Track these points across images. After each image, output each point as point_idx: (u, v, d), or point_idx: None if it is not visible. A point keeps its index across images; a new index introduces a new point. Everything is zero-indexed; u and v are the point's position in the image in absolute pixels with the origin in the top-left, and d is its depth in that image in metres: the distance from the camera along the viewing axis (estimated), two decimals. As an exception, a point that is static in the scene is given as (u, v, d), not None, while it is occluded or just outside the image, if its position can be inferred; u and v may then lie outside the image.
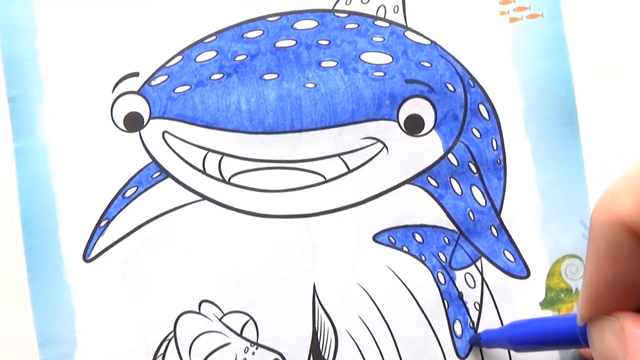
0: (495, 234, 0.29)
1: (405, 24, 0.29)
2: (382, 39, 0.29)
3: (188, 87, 0.29)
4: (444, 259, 0.29)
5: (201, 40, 0.29)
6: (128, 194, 0.29)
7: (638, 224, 0.18)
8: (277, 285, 0.29)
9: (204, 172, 0.29)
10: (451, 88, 0.29)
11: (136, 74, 0.29)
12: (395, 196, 0.29)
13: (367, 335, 0.29)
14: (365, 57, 0.29)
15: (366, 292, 0.29)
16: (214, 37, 0.29)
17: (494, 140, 0.29)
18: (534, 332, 0.25)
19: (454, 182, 0.29)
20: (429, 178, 0.29)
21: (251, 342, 0.28)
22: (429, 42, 0.29)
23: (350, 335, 0.29)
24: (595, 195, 0.29)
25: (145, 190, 0.29)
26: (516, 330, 0.26)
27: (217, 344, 0.28)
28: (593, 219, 0.19)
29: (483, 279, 0.29)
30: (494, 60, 0.29)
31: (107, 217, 0.29)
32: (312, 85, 0.29)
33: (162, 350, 0.28)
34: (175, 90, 0.29)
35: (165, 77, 0.29)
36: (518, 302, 0.29)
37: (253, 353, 0.28)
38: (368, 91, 0.29)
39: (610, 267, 0.19)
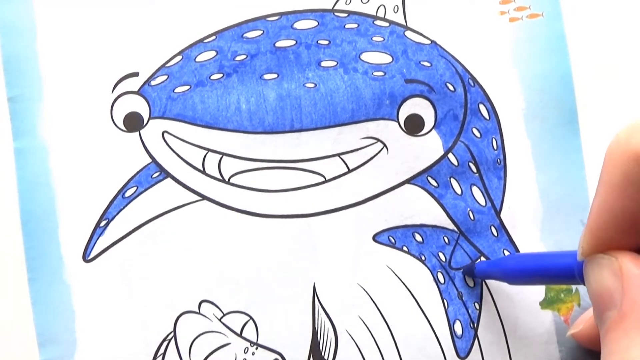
0: (495, 234, 0.29)
1: (405, 24, 0.29)
2: (382, 39, 0.29)
3: (188, 87, 0.29)
4: (443, 259, 0.29)
5: (201, 40, 0.29)
6: (128, 194, 0.29)
7: None
8: (277, 285, 0.29)
9: (203, 172, 0.29)
10: (451, 88, 0.29)
11: (136, 74, 0.29)
12: (395, 196, 0.29)
13: (367, 335, 0.29)
14: (365, 56, 0.29)
15: (366, 292, 0.29)
16: (213, 37, 0.29)
17: (494, 140, 0.29)
18: (530, 265, 0.25)
19: (454, 181, 0.29)
20: (429, 178, 0.29)
21: (251, 342, 0.28)
22: (429, 42, 0.29)
23: (350, 335, 0.29)
24: (595, 195, 0.29)
25: (145, 190, 0.29)
26: (511, 262, 0.26)
27: (217, 344, 0.28)
28: (608, 152, 0.19)
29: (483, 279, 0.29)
30: (494, 60, 0.29)
31: (106, 217, 0.29)
32: (312, 85, 0.29)
33: (162, 350, 0.28)
34: (175, 90, 0.29)
35: (165, 77, 0.29)
36: (518, 301, 0.29)
37: (253, 353, 0.28)
38: (368, 91, 0.29)
39: (620, 200, 0.19)
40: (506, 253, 0.29)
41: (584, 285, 0.21)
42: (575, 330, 0.27)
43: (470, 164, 0.29)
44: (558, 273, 0.23)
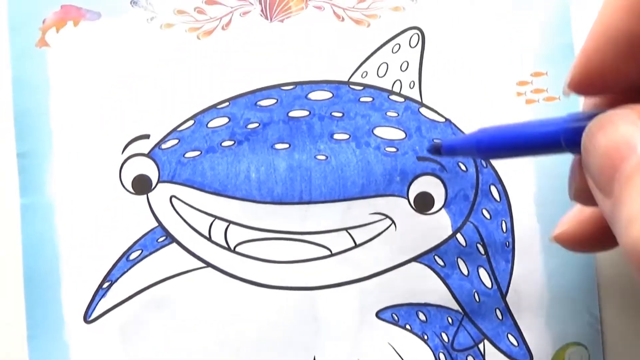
0: (500, 317, 0.29)
1: (420, 100, 0.29)
2: (396, 114, 0.29)
3: (198, 153, 0.29)
4: (446, 340, 0.29)
5: (214, 106, 0.29)
6: (132, 256, 0.29)
7: None
8: (278, 356, 0.28)
9: (209, 239, 0.29)
10: (463, 167, 0.29)
11: (147, 137, 0.29)
12: (400, 273, 0.29)
13: (365, 412, 0.28)
14: (379, 131, 0.29)
15: (366, 368, 0.29)
16: (227, 104, 0.29)
17: (503, 222, 0.29)
18: (510, 137, 0.21)
19: (461, 262, 0.29)
20: (436, 257, 0.29)
21: (248, 415, 0.28)
22: (443, 120, 0.29)
23: (348, 412, 0.28)
24: (603, 283, 0.29)
25: (150, 254, 0.29)
26: (485, 134, 0.22)
27: (213, 415, 0.28)
28: None
29: (485, 362, 0.29)
30: (507, 141, 0.29)
31: (110, 278, 0.29)
32: (323, 157, 0.29)
33: (158, 418, 0.28)
34: (185, 155, 0.29)
35: (176, 141, 0.29)
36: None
37: None
38: (379, 166, 0.29)
39: (626, 21, 0.16)
40: (510, 337, 0.29)
41: (570, 152, 0.19)
42: (560, 231, 0.24)
43: (479, 245, 0.29)
44: (540, 141, 0.20)
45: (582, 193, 0.20)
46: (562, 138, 0.19)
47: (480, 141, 0.22)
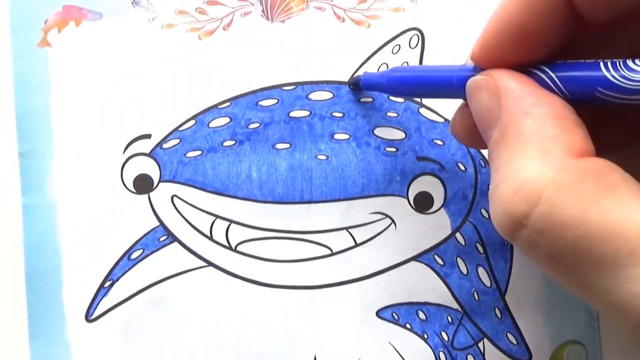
0: (499, 316, 0.29)
1: (420, 101, 0.29)
2: (396, 115, 0.29)
3: (199, 152, 0.29)
4: (446, 338, 0.29)
5: (215, 106, 0.29)
6: (134, 256, 0.29)
7: None
8: (278, 355, 0.29)
9: (211, 238, 0.29)
10: (462, 167, 0.29)
11: (148, 136, 0.29)
12: (400, 272, 0.29)
13: (366, 411, 0.29)
14: (379, 131, 0.29)
15: (367, 367, 0.29)
16: (228, 104, 0.29)
17: (502, 221, 0.29)
18: (415, 76, 0.24)
19: (460, 261, 0.29)
20: (436, 256, 0.29)
21: (249, 414, 0.28)
22: (442, 120, 0.29)
23: (348, 410, 0.29)
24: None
25: (152, 253, 0.29)
26: (396, 73, 0.25)
27: (215, 413, 0.28)
28: None
29: (484, 360, 0.29)
30: (506, 141, 0.29)
31: (111, 277, 0.29)
32: (323, 157, 0.29)
33: (159, 417, 0.28)
34: (187, 155, 0.29)
35: (177, 140, 0.29)
36: (518, 386, 0.29)
37: None
38: (379, 166, 0.29)
39: (520, 11, 0.19)
40: (509, 336, 0.29)
41: (463, 99, 0.22)
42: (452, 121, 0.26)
43: (478, 245, 0.29)
44: (440, 85, 0.23)
45: (460, 130, 0.24)
46: (455, 82, 0.22)
47: (390, 78, 0.25)
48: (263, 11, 0.29)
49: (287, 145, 0.29)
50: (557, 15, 0.20)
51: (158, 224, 0.29)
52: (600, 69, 0.19)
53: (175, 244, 0.29)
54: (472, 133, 0.22)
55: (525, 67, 0.20)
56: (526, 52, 0.20)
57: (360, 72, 0.29)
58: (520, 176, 0.18)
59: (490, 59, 0.20)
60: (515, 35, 0.20)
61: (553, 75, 0.20)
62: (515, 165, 0.18)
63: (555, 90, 0.19)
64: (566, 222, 0.17)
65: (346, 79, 0.29)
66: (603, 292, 0.17)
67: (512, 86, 0.19)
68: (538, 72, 0.20)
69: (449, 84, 0.22)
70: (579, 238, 0.17)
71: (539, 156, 0.18)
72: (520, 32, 0.20)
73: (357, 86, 0.28)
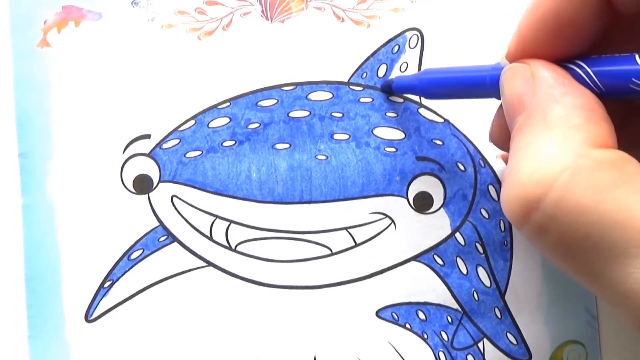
0: (499, 316, 0.29)
1: (419, 101, 0.29)
2: (395, 115, 0.29)
3: (199, 153, 0.29)
4: (446, 338, 0.29)
5: (215, 106, 0.29)
6: (134, 256, 0.29)
7: None
8: (278, 355, 0.29)
9: (210, 238, 0.29)
10: (462, 167, 0.29)
11: (148, 137, 0.29)
12: (400, 272, 0.29)
13: (365, 411, 0.29)
14: (378, 131, 0.29)
15: (366, 367, 0.29)
16: (227, 104, 0.29)
17: (502, 221, 0.29)
18: (446, 78, 0.25)
19: (459, 261, 0.29)
20: (435, 256, 0.29)
21: (249, 414, 0.28)
22: (442, 120, 0.29)
23: (348, 410, 0.29)
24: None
25: (151, 253, 0.29)
26: (428, 75, 0.25)
27: (214, 414, 0.28)
28: None
29: (484, 360, 0.29)
30: (506, 141, 0.29)
31: (111, 278, 0.29)
32: (323, 157, 0.29)
33: (159, 417, 0.28)
34: (186, 155, 0.29)
35: (177, 141, 0.29)
36: (518, 386, 0.29)
37: None
38: (379, 166, 0.29)
39: (554, 2, 0.20)
40: (509, 336, 0.29)
41: (497, 98, 0.22)
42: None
43: (477, 244, 0.29)
44: (472, 85, 0.23)
45: (497, 135, 0.25)
46: (488, 81, 0.22)
47: (422, 80, 0.25)
48: (262, 11, 0.29)
49: (287, 146, 0.29)
50: (592, 5, 0.20)
51: (158, 224, 0.29)
52: (636, 62, 0.19)
53: (175, 244, 0.29)
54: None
55: (561, 61, 0.20)
56: (562, 46, 0.20)
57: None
58: (538, 159, 0.18)
59: (527, 55, 0.21)
60: (551, 29, 0.20)
61: (588, 69, 0.20)
62: (535, 148, 0.18)
63: (590, 84, 0.20)
64: (579, 208, 0.17)
65: (346, 79, 0.29)
66: (611, 280, 0.17)
67: (545, 75, 0.20)
68: (573, 67, 0.20)
69: (481, 83, 0.23)
70: (591, 225, 0.17)
71: (560, 141, 0.18)
72: (556, 25, 0.20)
73: (389, 89, 0.28)
